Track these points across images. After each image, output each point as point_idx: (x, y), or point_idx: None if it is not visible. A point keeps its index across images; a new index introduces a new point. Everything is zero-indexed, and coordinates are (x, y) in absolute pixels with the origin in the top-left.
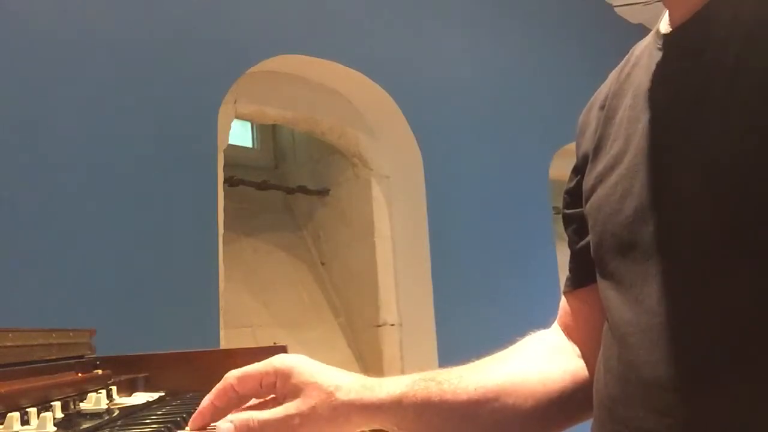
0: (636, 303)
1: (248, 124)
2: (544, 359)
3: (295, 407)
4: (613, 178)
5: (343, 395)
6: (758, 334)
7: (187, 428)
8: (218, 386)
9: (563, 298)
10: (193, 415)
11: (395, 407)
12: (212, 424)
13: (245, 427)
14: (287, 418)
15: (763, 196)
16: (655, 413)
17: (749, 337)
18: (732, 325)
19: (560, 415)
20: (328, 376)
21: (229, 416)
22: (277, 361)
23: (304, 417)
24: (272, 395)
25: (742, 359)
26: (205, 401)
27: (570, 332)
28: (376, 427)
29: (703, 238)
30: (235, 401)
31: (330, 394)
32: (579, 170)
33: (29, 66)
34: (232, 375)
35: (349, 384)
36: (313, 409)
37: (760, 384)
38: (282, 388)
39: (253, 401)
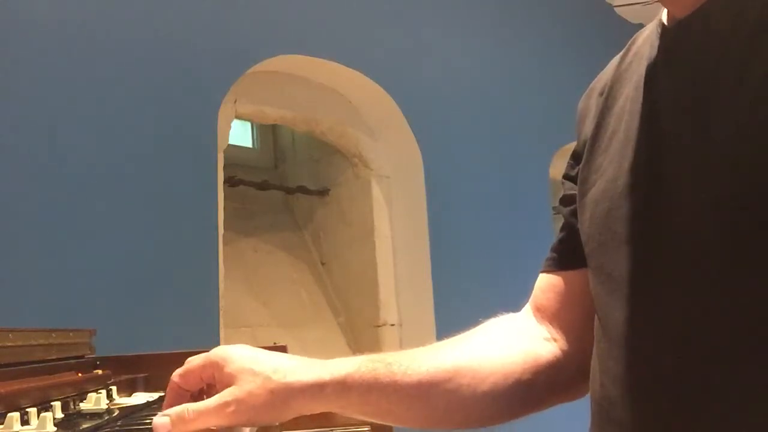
0: (631, 302)
1: (248, 124)
2: (505, 341)
3: (229, 393)
4: (613, 173)
5: (279, 377)
6: (755, 334)
7: None
8: (168, 389)
9: (541, 278)
10: (155, 420)
11: (339, 388)
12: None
13: (180, 419)
14: (222, 406)
15: (763, 196)
16: (650, 415)
17: (745, 337)
18: (728, 326)
19: (519, 399)
20: (265, 361)
21: (166, 410)
22: (213, 353)
23: (239, 402)
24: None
25: (739, 360)
26: (164, 407)
27: (545, 313)
28: (320, 409)
29: (702, 238)
30: (187, 399)
31: (266, 378)
32: (579, 156)
33: (29, 66)
34: (176, 374)
35: (288, 366)
36: (249, 393)
37: (757, 385)
38: (219, 378)
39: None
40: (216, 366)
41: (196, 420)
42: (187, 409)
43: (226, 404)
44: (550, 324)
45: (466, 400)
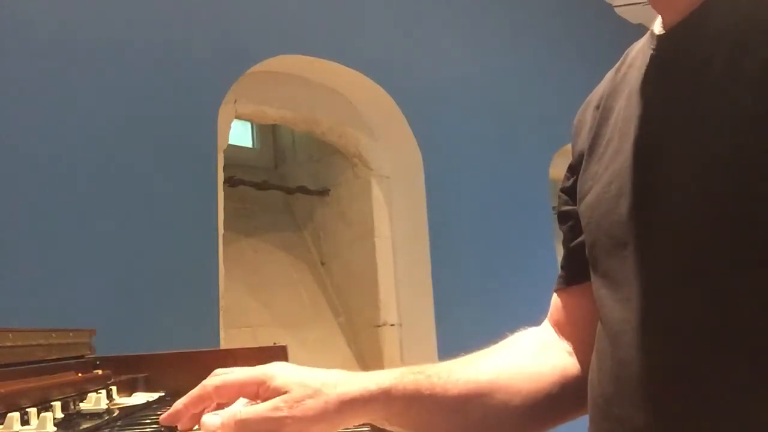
0: (627, 301)
1: (248, 124)
2: (534, 355)
3: (282, 401)
4: (608, 178)
5: (330, 390)
6: (748, 331)
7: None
8: (195, 392)
9: (555, 296)
10: (165, 414)
11: (384, 398)
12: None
13: (231, 420)
14: (275, 410)
15: (755, 196)
16: (647, 411)
17: (739, 334)
18: (722, 324)
19: (549, 411)
20: (311, 374)
21: (218, 411)
22: (257, 371)
23: (292, 409)
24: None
25: (733, 357)
26: (179, 404)
27: (562, 329)
28: (365, 420)
29: (693, 238)
30: (211, 408)
31: (317, 390)
32: (575, 169)
33: (29, 67)
34: (211, 384)
35: (335, 379)
36: (301, 403)
37: (751, 380)
38: (264, 393)
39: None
40: (261, 382)
41: (246, 423)
42: (239, 411)
43: (279, 409)
44: (569, 339)
45: (500, 413)
